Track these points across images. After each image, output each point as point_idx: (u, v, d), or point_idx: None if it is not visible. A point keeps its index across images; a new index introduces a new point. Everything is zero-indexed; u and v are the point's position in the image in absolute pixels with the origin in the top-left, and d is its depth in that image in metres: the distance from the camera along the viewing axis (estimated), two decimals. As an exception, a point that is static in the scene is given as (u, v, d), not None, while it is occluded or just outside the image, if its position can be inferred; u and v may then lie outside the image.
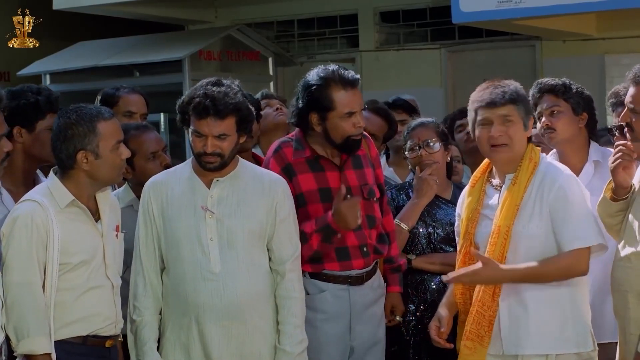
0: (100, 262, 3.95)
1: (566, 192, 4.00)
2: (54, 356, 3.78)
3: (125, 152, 3.99)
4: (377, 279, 4.54)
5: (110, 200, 4.09)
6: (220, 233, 4.07)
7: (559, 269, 3.97)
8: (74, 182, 3.92)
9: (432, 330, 4.13)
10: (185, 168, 4.20)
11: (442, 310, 4.16)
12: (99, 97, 5.47)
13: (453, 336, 4.18)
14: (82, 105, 4.03)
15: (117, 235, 4.05)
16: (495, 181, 4.14)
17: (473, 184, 4.20)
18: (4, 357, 3.76)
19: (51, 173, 3.97)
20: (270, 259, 4.17)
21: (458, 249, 4.20)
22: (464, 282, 4.02)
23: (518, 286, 3.99)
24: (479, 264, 3.93)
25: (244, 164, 4.22)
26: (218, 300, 4.03)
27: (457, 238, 4.27)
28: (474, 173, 4.24)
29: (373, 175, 4.51)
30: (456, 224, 4.30)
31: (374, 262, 4.51)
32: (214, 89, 4.03)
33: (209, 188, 4.10)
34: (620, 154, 4.06)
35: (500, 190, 4.09)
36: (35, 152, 4.21)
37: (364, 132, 4.53)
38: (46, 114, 4.20)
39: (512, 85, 4.11)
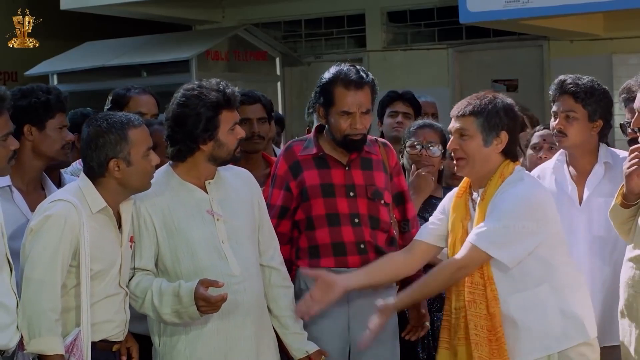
0: (116, 272, 3.94)
1: (509, 199, 3.90)
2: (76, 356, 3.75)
3: (155, 159, 3.94)
4: (385, 279, 4.54)
5: (131, 210, 4.03)
6: (229, 234, 4.05)
7: (458, 267, 3.93)
8: (104, 189, 3.90)
9: None
10: (165, 174, 4.10)
11: None
12: (109, 98, 5.48)
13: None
14: (111, 113, 4.05)
15: (131, 246, 4.02)
16: (474, 195, 4.09)
17: (459, 195, 4.14)
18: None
19: (83, 175, 3.94)
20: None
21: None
22: None
23: (505, 297, 3.94)
24: None
25: None
26: (241, 301, 4.02)
27: (431, 219, 4.24)
28: (461, 183, 4.17)
29: (385, 180, 4.53)
30: (436, 210, 4.25)
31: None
32: (192, 85, 4.29)
33: (204, 191, 4.08)
34: (636, 160, 4.00)
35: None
36: (45, 150, 4.22)
37: (385, 141, 4.69)
38: (55, 113, 4.23)
39: (495, 100, 4.01)
